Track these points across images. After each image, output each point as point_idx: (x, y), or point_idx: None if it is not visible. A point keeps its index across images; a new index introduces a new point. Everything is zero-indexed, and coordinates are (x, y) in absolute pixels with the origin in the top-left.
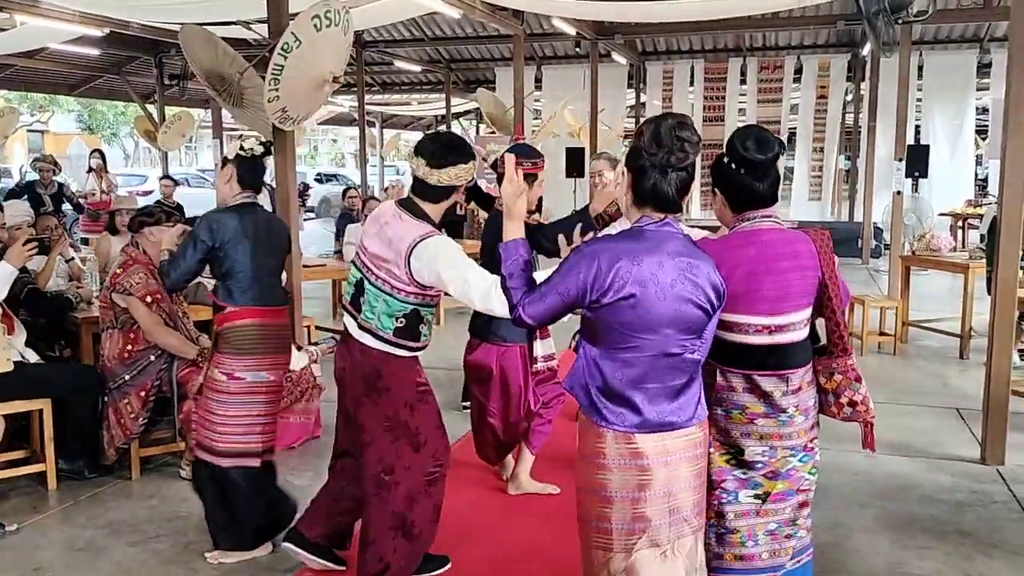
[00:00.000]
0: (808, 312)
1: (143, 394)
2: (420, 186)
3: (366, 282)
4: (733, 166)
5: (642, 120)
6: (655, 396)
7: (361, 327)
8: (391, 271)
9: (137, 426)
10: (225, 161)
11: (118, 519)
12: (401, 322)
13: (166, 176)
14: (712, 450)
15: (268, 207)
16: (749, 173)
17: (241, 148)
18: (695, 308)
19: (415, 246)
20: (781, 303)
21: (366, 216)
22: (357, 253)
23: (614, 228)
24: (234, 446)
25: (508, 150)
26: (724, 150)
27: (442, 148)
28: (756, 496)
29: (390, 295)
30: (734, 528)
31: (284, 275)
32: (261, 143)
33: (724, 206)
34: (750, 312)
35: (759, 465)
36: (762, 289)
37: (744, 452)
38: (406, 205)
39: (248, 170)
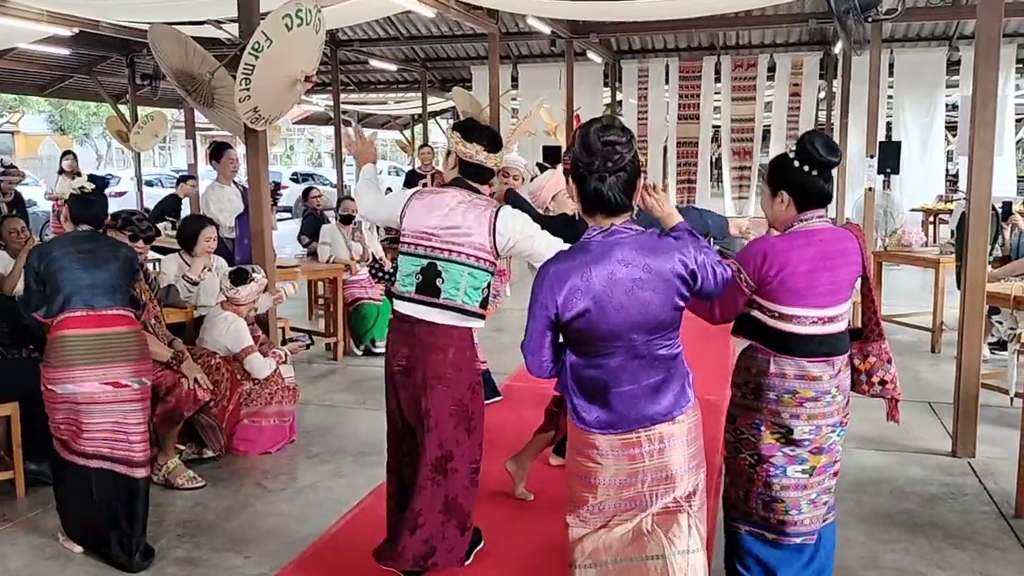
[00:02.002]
0: (850, 303)
1: None
2: (475, 169)
3: (440, 263)
4: (806, 168)
5: (576, 113)
6: (633, 396)
7: (444, 307)
8: (474, 243)
9: None
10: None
11: None
12: (484, 292)
13: (189, 177)
14: (763, 428)
15: (240, 206)
16: (820, 175)
17: (73, 188)
18: (661, 307)
19: (497, 213)
20: (834, 296)
21: (347, 216)
22: (411, 240)
23: None
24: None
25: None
26: (793, 153)
27: (495, 137)
28: (803, 471)
29: (475, 267)
30: (781, 498)
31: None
32: (92, 178)
33: (789, 205)
34: (809, 306)
35: (806, 443)
36: (820, 285)
37: (793, 432)
38: (463, 186)
39: (79, 207)
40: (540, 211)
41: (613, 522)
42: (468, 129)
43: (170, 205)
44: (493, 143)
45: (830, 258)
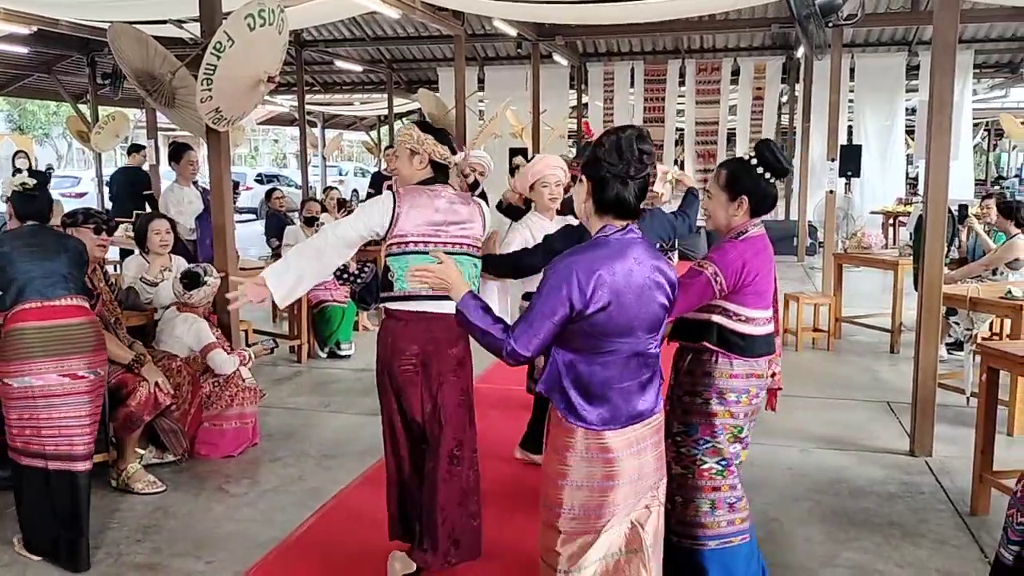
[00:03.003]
0: None
1: None
2: (445, 168)
3: (456, 257)
4: (767, 175)
5: (584, 120)
6: (628, 392)
7: None
8: (475, 234)
9: None
10: (4, 199)
11: None
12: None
13: (140, 147)
14: (725, 433)
15: (200, 207)
16: (775, 180)
17: (14, 185)
18: (660, 309)
19: (481, 204)
20: (772, 296)
21: (310, 218)
22: (417, 240)
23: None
24: (24, 445)
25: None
26: (755, 160)
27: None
28: (739, 465)
29: (476, 257)
30: (740, 496)
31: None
32: (33, 173)
33: (745, 211)
34: (764, 307)
35: (746, 439)
36: (770, 286)
37: (743, 430)
38: (434, 183)
39: (22, 204)
40: (516, 198)
41: (612, 523)
42: (436, 131)
43: (129, 180)
44: (452, 145)
45: (772, 260)
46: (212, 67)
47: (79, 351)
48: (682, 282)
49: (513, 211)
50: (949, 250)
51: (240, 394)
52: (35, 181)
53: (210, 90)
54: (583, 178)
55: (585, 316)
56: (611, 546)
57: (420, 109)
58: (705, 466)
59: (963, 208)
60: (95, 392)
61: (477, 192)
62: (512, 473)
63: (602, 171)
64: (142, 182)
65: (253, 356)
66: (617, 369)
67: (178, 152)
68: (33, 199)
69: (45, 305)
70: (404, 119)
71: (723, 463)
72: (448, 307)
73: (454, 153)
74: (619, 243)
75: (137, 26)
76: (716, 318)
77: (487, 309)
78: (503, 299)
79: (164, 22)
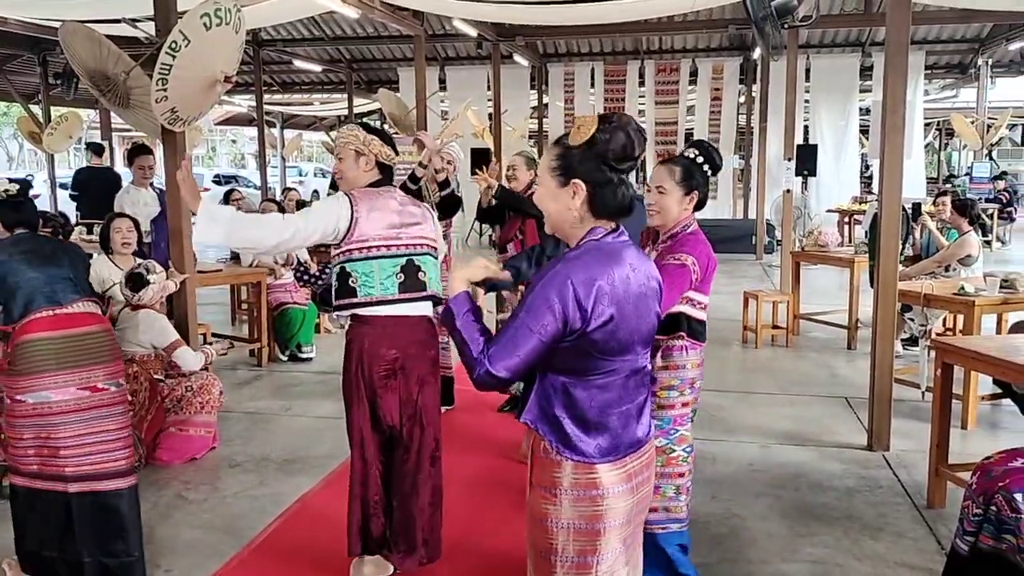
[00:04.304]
0: None
1: None
2: (391, 170)
3: (416, 258)
4: (710, 174)
5: (544, 118)
6: (628, 416)
7: (430, 298)
8: (429, 234)
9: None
10: None
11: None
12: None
13: (293, 187)
14: (688, 421)
15: (156, 209)
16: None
17: None
18: (655, 317)
19: (426, 205)
20: None
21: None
22: (379, 244)
23: None
24: (40, 468)
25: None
26: (702, 159)
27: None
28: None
29: (435, 256)
30: (687, 483)
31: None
32: (13, 181)
33: (692, 206)
34: (708, 292)
35: (691, 424)
36: None
37: (695, 414)
38: (382, 184)
39: (8, 213)
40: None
41: (615, 571)
42: (382, 133)
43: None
44: (395, 145)
45: None
46: (167, 67)
47: (97, 361)
48: (666, 277)
49: (492, 214)
50: (903, 248)
51: (211, 402)
52: (17, 187)
53: (165, 90)
54: (575, 182)
55: (584, 334)
56: None
57: (380, 109)
58: (674, 454)
59: (916, 206)
60: (119, 404)
61: (447, 191)
62: (475, 468)
63: (607, 174)
64: (113, 182)
65: (215, 354)
66: (617, 391)
67: (132, 155)
68: (19, 206)
69: (58, 313)
70: (364, 119)
71: (688, 449)
72: (420, 307)
73: (397, 154)
74: (613, 247)
75: (90, 25)
76: (683, 308)
77: (478, 316)
78: None
79: (118, 21)
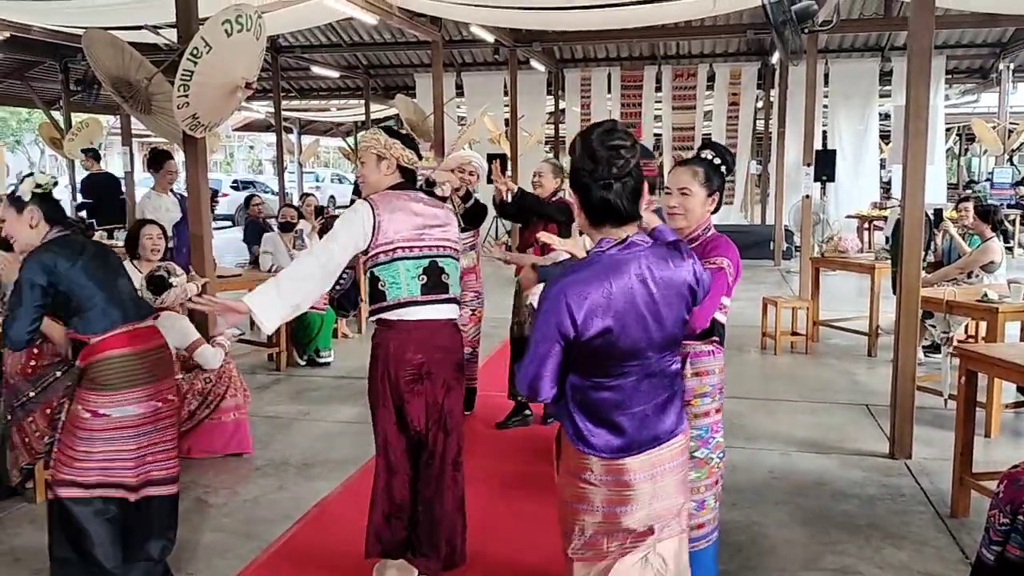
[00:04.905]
0: None
1: (49, 412)
2: (413, 173)
3: (440, 259)
4: (728, 176)
5: (659, 129)
6: (642, 417)
7: (453, 301)
8: (452, 236)
9: (43, 445)
10: (20, 203)
11: (22, 545)
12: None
13: (310, 193)
14: (722, 427)
15: (178, 215)
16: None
17: (37, 185)
18: (676, 322)
19: (449, 207)
20: None
21: (287, 224)
22: (404, 246)
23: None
24: (72, 475)
25: None
26: (720, 160)
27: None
28: None
29: (457, 259)
30: (719, 490)
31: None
32: (46, 174)
33: (712, 206)
34: (731, 295)
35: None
36: None
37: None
38: (404, 188)
39: (54, 207)
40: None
41: (625, 548)
42: (404, 137)
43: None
44: (418, 150)
45: None
46: (189, 73)
47: (166, 375)
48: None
49: (515, 213)
50: (926, 254)
51: (232, 384)
52: (51, 178)
53: (187, 96)
54: (575, 192)
55: (582, 342)
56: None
57: (398, 115)
58: (712, 463)
59: (938, 212)
60: (176, 413)
61: (470, 203)
62: (495, 474)
63: (581, 179)
64: (115, 186)
65: (229, 345)
66: (627, 393)
67: (158, 159)
68: (58, 202)
69: (136, 328)
70: (380, 125)
71: (721, 455)
72: (444, 310)
73: (420, 158)
74: (616, 260)
75: (112, 32)
76: (715, 313)
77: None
78: None
79: (140, 28)
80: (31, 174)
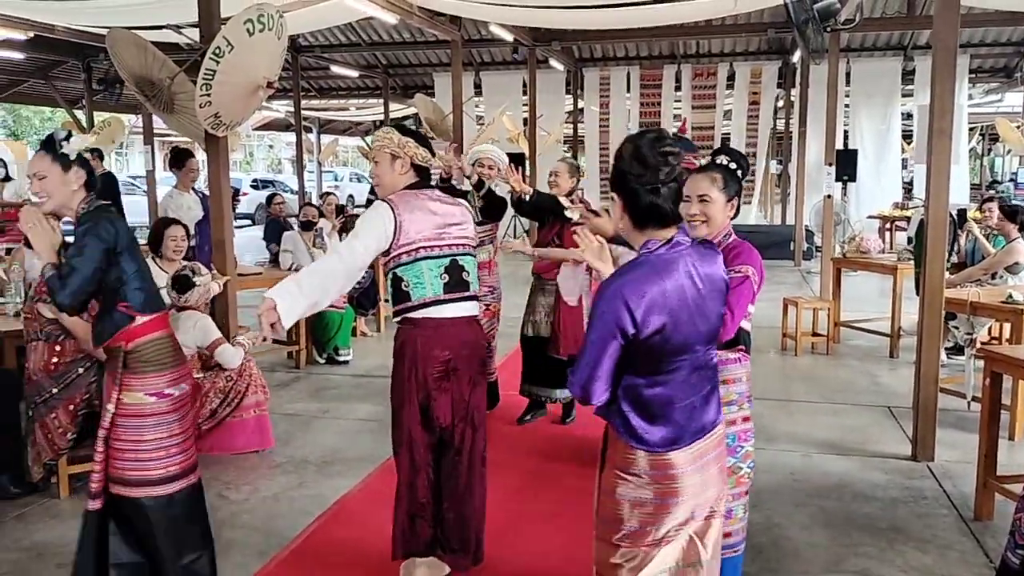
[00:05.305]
0: None
1: (72, 408)
2: (427, 171)
3: (459, 258)
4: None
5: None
6: (691, 409)
7: (473, 298)
8: (470, 234)
9: (65, 441)
10: (66, 160)
11: (44, 541)
12: None
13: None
14: (752, 436)
15: (200, 213)
16: None
17: (87, 148)
18: (716, 318)
19: (465, 203)
20: None
21: (308, 223)
22: (425, 245)
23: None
24: (167, 470)
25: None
26: (733, 164)
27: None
28: None
29: (474, 256)
30: (747, 500)
31: None
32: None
33: (731, 212)
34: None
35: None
36: None
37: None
38: (420, 187)
39: (91, 174)
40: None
41: (668, 539)
42: (417, 135)
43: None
44: (432, 147)
45: None
46: (211, 72)
47: (183, 362)
48: (731, 292)
49: (533, 211)
50: (949, 255)
51: (253, 381)
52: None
53: (209, 95)
54: (615, 195)
55: (640, 340)
56: (668, 560)
57: (416, 114)
58: (741, 472)
59: (962, 212)
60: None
61: (483, 191)
62: (513, 471)
63: (630, 183)
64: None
65: (250, 344)
66: (678, 387)
67: (180, 158)
68: (93, 169)
69: (166, 313)
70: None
71: (752, 465)
72: (466, 307)
73: (433, 155)
74: (666, 259)
75: (135, 31)
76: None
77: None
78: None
79: (162, 27)
80: (71, 133)
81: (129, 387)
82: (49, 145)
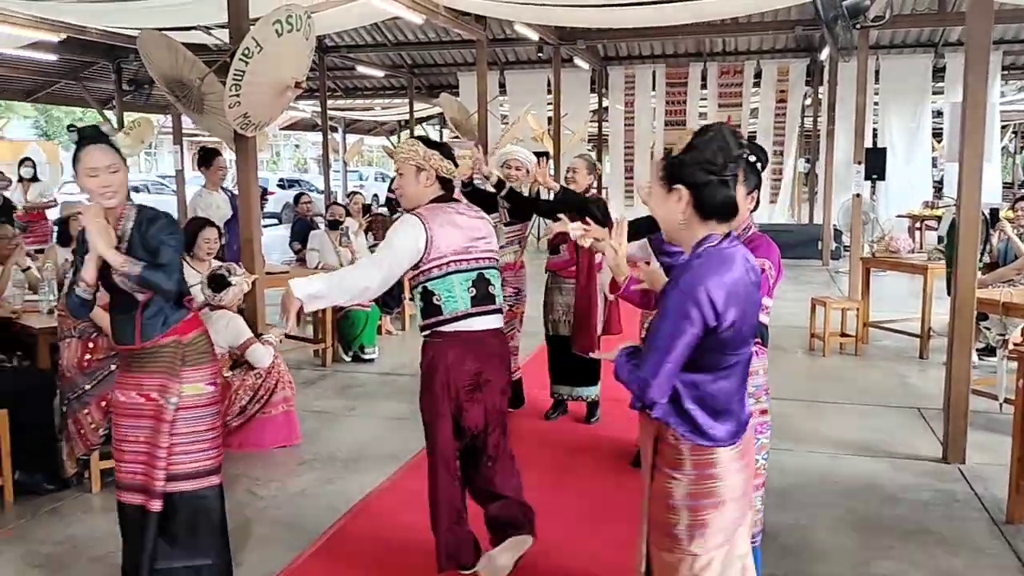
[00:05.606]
0: None
1: (104, 404)
2: (451, 183)
3: (486, 271)
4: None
5: (694, 129)
6: (742, 398)
7: (499, 310)
8: (495, 246)
9: (97, 437)
10: (122, 156)
11: (78, 534)
12: None
13: (357, 191)
14: (766, 431)
15: (228, 212)
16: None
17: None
18: (759, 310)
19: (487, 218)
20: None
21: (335, 222)
22: (454, 259)
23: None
24: (216, 460)
25: None
26: (753, 156)
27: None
28: None
29: (499, 268)
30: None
31: None
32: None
33: (751, 205)
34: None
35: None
36: None
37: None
38: (447, 199)
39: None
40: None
41: (738, 531)
42: (442, 147)
43: None
44: (455, 159)
45: None
46: (241, 73)
47: None
48: None
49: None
50: (981, 255)
51: (281, 378)
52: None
53: (238, 96)
54: (677, 187)
55: (718, 333)
56: (737, 549)
57: (441, 114)
58: (758, 465)
59: (994, 212)
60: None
61: (504, 191)
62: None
63: (704, 175)
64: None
65: (278, 341)
66: (737, 380)
67: (208, 157)
68: None
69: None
70: (424, 124)
71: (766, 456)
72: (492, 320)
73: (457, 166)
74: (727, 252)
75: (166, 33)
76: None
77: (631, 354)
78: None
79: (192, 28)
80: (23, 179)
81: (191, 379)
82: (104, 138)
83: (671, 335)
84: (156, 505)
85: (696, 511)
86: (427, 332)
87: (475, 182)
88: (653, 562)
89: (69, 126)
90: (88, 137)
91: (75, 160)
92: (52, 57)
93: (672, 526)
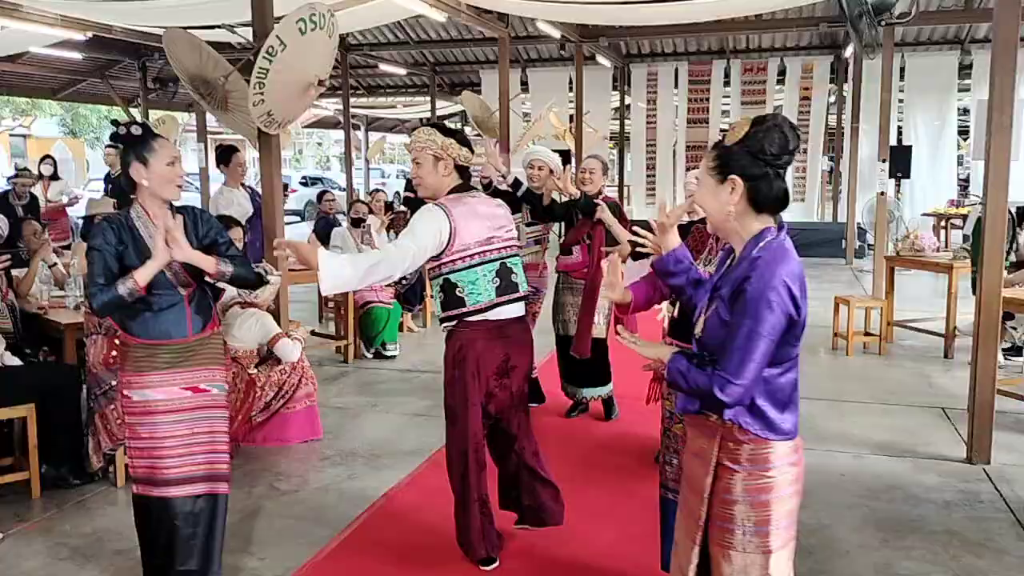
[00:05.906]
0: None
1: None
2: (469, 173)
3: (508, 260)
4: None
5: (726, 125)
6: (799, 389)
7: (523, 298)
8: (515, 235)
9: (123, 432)
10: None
11: (104, 527)
12: None
13: (379, 188)
14: None
15: (250, 209)
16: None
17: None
18: None
19: (504, 206)
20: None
21: (357, 219)
22: (477, 251)
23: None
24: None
25: None
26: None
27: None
28: None
29: (520, 256)
30: None
31: None
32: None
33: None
34: None
35: None
36: None
37: None
38: (464, 189)
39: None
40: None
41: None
42: (458, 135)
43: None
44: (472, 146)
45: None
46: (264, 71)
47: None
48: None
49: (558, 210)
50: (1007, 253)
51: (304, 374)
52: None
53: (262, 94)
54: (732, 178)
55: (795, 325)
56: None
57: (463, 112)
58: None
59: (1021, 210)
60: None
61: (522, 191)
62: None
63: (762, 167)
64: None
65: (303, 339)
66: (797, 371)
67: (226, 154)
68: None
69: None
70: (447, 122)
71: None
72: (516, 308)
73: (473, 154)
74: (786, 244)
75: (190, 31)
76: None
77: (690, 359)
78: None
79: (216, 27)
80: (43, 176)
81: (220, 378)
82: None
83: (754, 333)
84: (223, 487)
85: (771, 505)
86: (452, 322)
87: (494, 183)
88: (717, 563)
89: (113, 120)
90: (152, 130)
91: (142, 152)
92: (78, 55)
93: (751, 523)
